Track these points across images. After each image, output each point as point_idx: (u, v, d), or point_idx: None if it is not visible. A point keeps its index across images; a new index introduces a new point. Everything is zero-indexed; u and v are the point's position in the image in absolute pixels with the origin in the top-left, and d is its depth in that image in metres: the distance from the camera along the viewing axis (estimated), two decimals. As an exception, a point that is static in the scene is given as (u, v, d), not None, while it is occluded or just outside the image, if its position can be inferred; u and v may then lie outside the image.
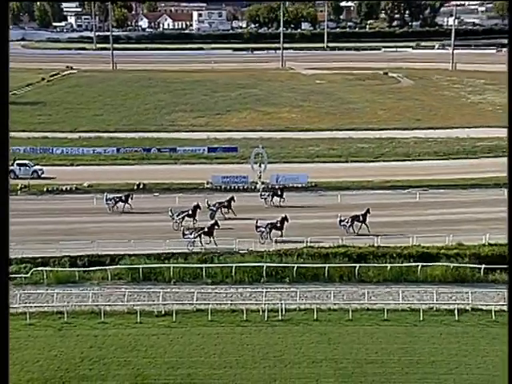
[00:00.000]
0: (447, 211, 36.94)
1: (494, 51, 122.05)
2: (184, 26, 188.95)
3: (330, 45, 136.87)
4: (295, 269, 28.70)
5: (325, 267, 28.79)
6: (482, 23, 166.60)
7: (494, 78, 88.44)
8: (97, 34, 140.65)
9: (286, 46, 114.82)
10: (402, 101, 75.15)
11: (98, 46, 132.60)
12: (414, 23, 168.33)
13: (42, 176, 43.99)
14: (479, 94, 78.55)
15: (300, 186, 42.03)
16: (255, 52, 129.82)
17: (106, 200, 36.99)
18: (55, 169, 45.80)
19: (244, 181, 42.67)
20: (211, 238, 31.16)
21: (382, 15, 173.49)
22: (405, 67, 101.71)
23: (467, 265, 29.13)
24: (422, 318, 25.25)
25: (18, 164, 43.67)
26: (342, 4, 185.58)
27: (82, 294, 26.72)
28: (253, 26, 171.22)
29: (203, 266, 29.06)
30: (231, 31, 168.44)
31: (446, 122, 62.60)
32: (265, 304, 25.83)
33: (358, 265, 29.02)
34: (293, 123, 63.66)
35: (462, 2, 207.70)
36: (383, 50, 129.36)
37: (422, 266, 28.97)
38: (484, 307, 25.91)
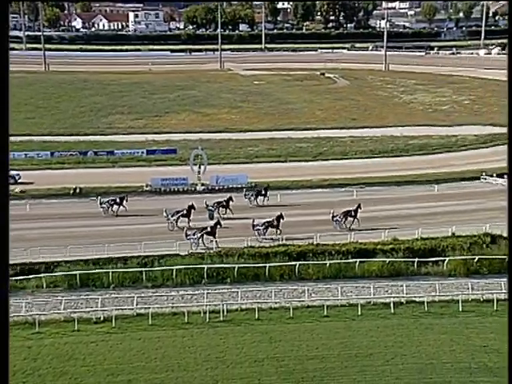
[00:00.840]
0: (382, 208, 38.08)
1: (423, 53, 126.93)
2: (120, 26, 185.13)
3: (268, 46, 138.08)
4: (236, 269, 28.75)
5: (265, 266, 29.01)
6: (411, 26, 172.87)
7: (423, 79, 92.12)
8: (27, 33, 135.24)
9: (224, 47, 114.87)
10: (339, 101, 76.87)
11: (29, 46, 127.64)
12: (349, 25, 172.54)
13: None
14: (411, 93, 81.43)
15: (240, 186, 42.15)
16: (193, 53, 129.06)
17: (100, 203, 36.43)
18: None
19: (184, 183, 42.35)
20: (214, 238, 30.99)
21: (318, 17, 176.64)
22: (340, 68, 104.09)
23: (402, 259, 30.12)
24: (360, 313, 25.91)
25: None
26: (279, 6, 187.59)
27: (14, 304, 25.67)
28: (190, 27, 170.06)
29: (143, 269, 28.62)
30: (169, 32, 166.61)
31: (381, 121, 64.55)
32: (206, 305, 25.74)
33: (297, 263, 29.42)
34: (232, 124, 63.80)
35: (393, 5, 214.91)
36: (319, 51, 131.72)
37: (360, 262, 29.71)
38: (417, 299, 26.88)
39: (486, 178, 44.00)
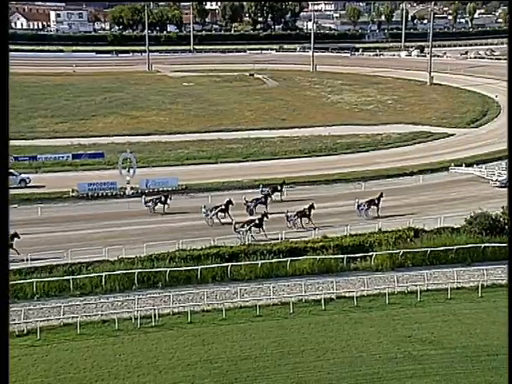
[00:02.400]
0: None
1: (349, 54, 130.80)
2: (40, 26, 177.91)
3: (197, 47, 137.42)
4: (168, 273, 28.43)
5: (197, 269, 28.87)
6: (337, 28, 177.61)
7: (349, 79, 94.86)
8: None
9: (151, 48, 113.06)
10: (268, 101, 77.73)
11: None
12: (277, 27, 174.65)
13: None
14: (337, 94, 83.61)
15: (170, 189, 41.71)
16: (120, 55, 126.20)
17: (145, 202, 36.98)
18: None
19: (112, 187, 41.39)
20: (262, 230, 32.54)
21: (247, 18, 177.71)
22: (269, 69, 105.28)
23: (331, 256, 30.87)
24: (292, 311, 26.32)
25: None
26: (207, 7, 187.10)
27: None
28: (116, 27, 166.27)
29: (70, 277, 27.70)
30: (93, 33, 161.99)
31: (309, 121, 65.87)
32: (137, 311, 25.29)
33: (229, 264, 29.49)
34: (161, 126, 63.01)
35: (319, 8, 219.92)
36: (248, 52, 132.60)
37: (291, 261, 30.18)
38: (347, 294, 27.67)
39: (454, 169, 46.65)
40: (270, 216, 34.26)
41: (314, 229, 33.46)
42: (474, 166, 47.01)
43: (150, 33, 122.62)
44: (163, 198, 37.33)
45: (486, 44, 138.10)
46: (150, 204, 37.20)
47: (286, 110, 72.76)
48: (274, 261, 30.24)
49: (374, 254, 31.09)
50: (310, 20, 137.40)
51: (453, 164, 47.51)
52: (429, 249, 31.11)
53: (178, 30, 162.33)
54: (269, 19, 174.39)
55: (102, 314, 25.37)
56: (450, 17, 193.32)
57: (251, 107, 73.92)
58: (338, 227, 34.11)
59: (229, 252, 30.78)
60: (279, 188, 39.90)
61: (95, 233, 33.11)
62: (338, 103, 77.29)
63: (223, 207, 35.36)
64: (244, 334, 24.30)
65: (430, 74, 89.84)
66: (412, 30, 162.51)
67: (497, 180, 43.20)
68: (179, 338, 23.87)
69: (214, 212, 35.12)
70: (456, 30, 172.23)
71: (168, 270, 28.54)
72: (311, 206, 34.97)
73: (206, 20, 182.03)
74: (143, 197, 37.86)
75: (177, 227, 34.53)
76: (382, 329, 24.76)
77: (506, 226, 32.91)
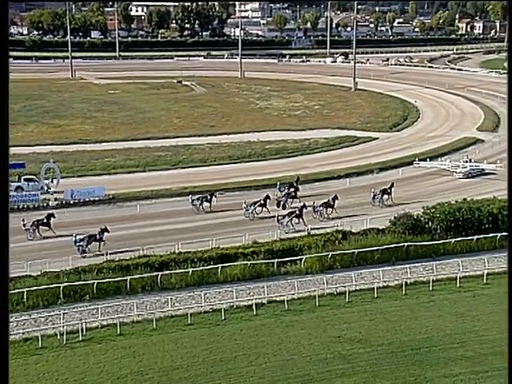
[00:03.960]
0: (240, 212, 39.12)
1: (276, 61, 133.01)
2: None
3: (123, 54, 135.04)
4: (95, 285, 27.71)
5: (126, 279, 28.33)
6: (264, 35, 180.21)
7: (277, 85, 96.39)
8: None
9: (74, 54, 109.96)
10: (197, 108, 77.57)
11: None
12: (204, 33, 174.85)
13: None
14: (266, 100, 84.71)
15: (97, 199, 40.70)
16: (40, 61, 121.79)
17: (192, 201, 38.57)
18: None
19: (35, 198, 39.85)
20: (302, 220, 35.46)
21: (173, 25, 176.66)
22: (197, 75, 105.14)
23: (262, 261, 31.18)
24: (223, 317, 26.37)
25: (25, 179, 41.94)
26: (133, 13, 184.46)
27: None
28: (36, 32, 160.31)
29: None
30: (10, 38, 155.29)
31: (238, 127, 66.30)
32: (63, 326, 24.44)
33: (159, 273, 29.15)
34: (86, 135, 61.33)
35: (247, 14, 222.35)
36: (176, 58, 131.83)
37: (222, 267, 30.24)
38: (278, 298, 28.05)
39: (418, 163, 49.60)
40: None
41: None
42: (439, 159, 51.12)
43: (72, 38, 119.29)
44: (209, 197, 39.20)
45: (405, 51, 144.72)
46: (196, 203, 38.77)
47: (214, 116, 72.87)
48: (204, 268, 30.19)
49: (304, 257, 31.72)
50: (238, 27, 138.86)
51: (417, 159, 50.64)
52: (356, 250, 32.10)
53: (102, 36, 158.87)
54: (196, 26, 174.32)
55: (23, 333, 24.29)
56: (371, 25, 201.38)
57: (179, 114, 73.49)
58: (267, 232, 34.48)
59: (158, 261, 30.42)
60: (294, 184, 42.03)
61: (17, 247, 31.62)
62: (266, 109, 78.28)
63: (262, 202, 38.07)
64: (175, 344, 24.09)
65: (354, 79, 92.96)
66: (336, 37, 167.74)
67: (461, 172, 46.99)
68: (108, 351, 23.30)
69: (254, 207, 37.63)
70: (377, 37, 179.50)
71: (95, 282, 27.81)
72: (335, 197, 38.15)
73: (132, 26, 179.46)
74: (190, 196, 39.48)
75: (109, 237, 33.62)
76: (312, 330, 25.30)
77: (427, 225, 34.60)
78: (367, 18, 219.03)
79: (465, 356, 23.17)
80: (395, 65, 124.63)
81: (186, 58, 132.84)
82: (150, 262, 30.30)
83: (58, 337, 24.11)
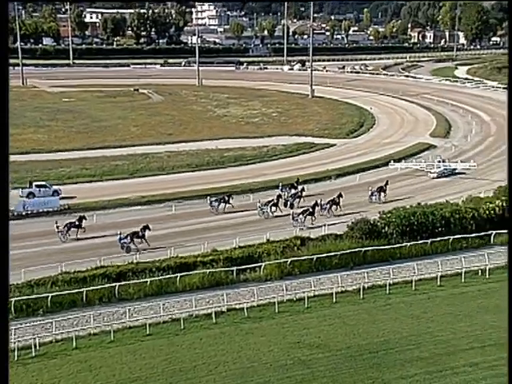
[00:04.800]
0: (202, 220, 39.15)
1: (234, 68, 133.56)
2: None
3: (77, 61, 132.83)
4: (49, 298, 27.09)
5: (82, 291, 27.83)
6: (221, 42, 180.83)
7: (235, 93, 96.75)
8: None
9: (26, 62, 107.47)
10: (154, 116, 77.02)
11: None
12: (161, 41, 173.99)
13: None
14: (224, 107, 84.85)
15: (52, 209, 39.85)
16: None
17: (210, 202, 40.23)
18: None
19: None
20: (315, 218, 37.57)
21: (129, 32, 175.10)
22: (154, 83, 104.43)
23: (221, 269, 31.19)
24: (182, 327, 26.23)
25: (36, 185, 42.67)
26: (87, 20, 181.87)
27: None
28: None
29: None
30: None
31: (196, 135, 66.16)
32: (14, 343, 23.76)
33: (117, 284, 28.76)
34: (39, 144, 59.96)
35: (204, 22, 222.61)
36: (132, 66, 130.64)
37: (181, 276, 30.08)
38: (238, 306, 28.10)
39: (394, 164, 51.83)
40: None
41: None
42: (413, 160, 53.49)
43: (23, 45, 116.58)
44: (226, 198, 40.83)
45: (360, 59, 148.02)
46: (214, 204, 40.24)
47: (172, 124, 72.50)
48: (163, 277, 29.97)
49: (263, 264, 31.88)
50: (195, 34, 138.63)
51: (392, 161, 52.75)
52: (315, 256, 32.49)
53: (55, 43, 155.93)
54: (153, 33, 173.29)
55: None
56: (327, 33, 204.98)
57: (136, 123, 72.79)
58: (226, 240, 34.53)
59: (116, 272, 30.03)
60: (296, 185, 44.02)
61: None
62: (224, 117, 78.41)
63: (275, 201, 40.07)
64: (134, 355, 23.79)
65: (311, 87, 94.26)
66: (293, 45, 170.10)
67: (435, 172, 49.59)
68: (63, 366, 22.80)
69: (268, 206, 39.62)
70: (333, 45, 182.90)
71: (50, 295, 27.19)
72: (340, 195, 40.47)
73: (86, 33, 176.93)
74: (208, 197, 40.90)
75: (63, 249, 33.01)
76: (272, 337, 25.45)
77: (383, 230, 35.38)
78: (323, 26, 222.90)
79: (420, 357, 23.77)
80: (351, 72, 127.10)
81: (143, 66, 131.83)
82: (107, 272, 29.87)
83: (9, 354, 23.43)
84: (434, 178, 49.41)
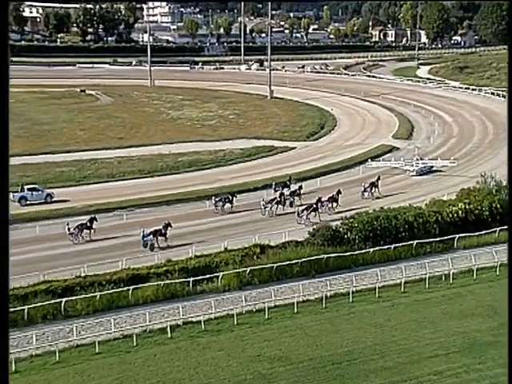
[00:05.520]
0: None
1: (188, 68, 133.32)
2: None
3: (15, 59, 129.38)
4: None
5: (24, 309, 27.16)
6: (174, 41, 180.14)
7: (190, 94, 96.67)
8: None
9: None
10: (103, 119, 76.07)
11: None
12: (109, 38, 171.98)
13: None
14: (178, 109, 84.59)
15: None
16: None
17: (215, 202, 41.93)
18: None
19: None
20: (318, 213, 40.06)
21: (75, 29, 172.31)
22: (103, 84, 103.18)
23: (177, 280, 31.00)
24: (135, 343, 25.95)
25: (28, 189, 43.24)
26: (26, 14, 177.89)
27: None
28: None
29: None
30: None
31: (149, 139, 65.70)
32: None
33: (63, 299, 28.21)
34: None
35: (155, 19, 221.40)
36: (78, 65, 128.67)
37: (133, 289, 29.77)
38: (194, 319, 28.01)
39: (371, 164, 54.15)
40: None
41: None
42: (393, 159, 55.63)
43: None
44: (230, 197, 42.64)
45: (320, 58, 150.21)
46: (219, 204, 41.81)
47: (122, 128, 71.77)
48: (114, 291, 29.58)
49: (221, 274, 31.89)
50: (146, 32, 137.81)
51: (369, 159, 55.24)
52: (275, 264, 32.71)
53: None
54: (100, 30, 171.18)
55: None
56: (286, 31, 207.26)
57: (83, 126, 71.71)
58: (182, 249, 34.42)
59: (61, 286, 29.44)
60: (288, 184, 46.21)
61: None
62: (178, 119, 78.18)
63: (278, 199, 42.12)
64: (82, 376, 23.38)
65: (270, 87, 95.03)
66: (251, 44, 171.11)
67: (414, 170, 52.19)
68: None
69: (272, 204, 41.52)
70: (293, 44, 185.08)
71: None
72: (339, 191, 42.62)
73: (26, 29, 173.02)
74: (213, 197, 42.51)
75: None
76: (231, 351, 25.48)
77: (346, 236, 35.95)
78: (282, 23, 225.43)
79: (384, 367, 24.26)
80: (311, 72, 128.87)
81: (90, 65, 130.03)
82: (51, 287, 29.24)
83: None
84: (412, 176, 51.76)
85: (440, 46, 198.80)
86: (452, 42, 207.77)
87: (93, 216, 37.84)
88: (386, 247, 35.54)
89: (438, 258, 34.96)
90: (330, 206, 42.20)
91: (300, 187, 45.29)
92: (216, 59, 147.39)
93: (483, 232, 37.65)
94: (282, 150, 61.92)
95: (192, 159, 57.11)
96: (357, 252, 34.89)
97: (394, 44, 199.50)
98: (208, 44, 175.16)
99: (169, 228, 36.24)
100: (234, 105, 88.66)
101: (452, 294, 31.28)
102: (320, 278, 32.21)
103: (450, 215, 38.13)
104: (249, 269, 32.30)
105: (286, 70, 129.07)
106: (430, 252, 36.19)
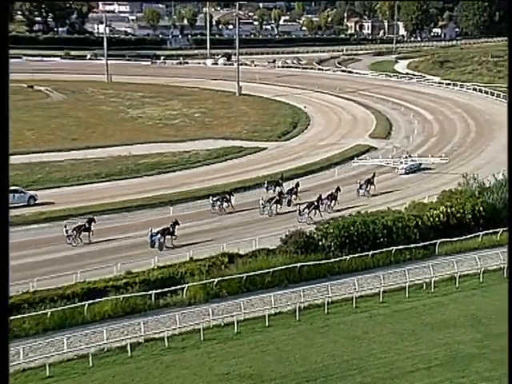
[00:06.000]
0: (113, 238, 38.61)
1: (149, 63, 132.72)
2: None
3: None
4: None
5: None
6: (134, 32, 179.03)
7: (151, 91, 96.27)
8: None
9: None
10: (54, 118, 75.19)
11: None
12: (61, 29, 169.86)
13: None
14: (138, 108, 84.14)
15: None
16: None
17: (213, 202, 43.52)
18: None
19: None
20: (319, 211, 42.16)
21: (20, 17, 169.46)
22: (54, 79, 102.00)
23: (137, 294, 30.77)
24: (91, 364, 25.65)
25: (10, 191, 41.67)
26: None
27: None
28: None
29: None
30: None
31: (106, 140, 65.19)
32: None
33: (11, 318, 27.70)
34: None
35: (112, 8, 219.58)
36: (25, 58, 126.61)
37: (89, 305, 29.44)
38: (157, 336, 27.85)
39: (357, 162, 56.22)
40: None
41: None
42: (380, 156, 57.64)
43: None
44: (228, 197, 44.19)
45: (292, 52, 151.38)
46: (217, 204, 43.39)
47: (76, 127, 71.08)
48: (67, 307, 29.18)
49: (186, 286, 31.79)
50: (102, 22, 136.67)
51: (355, 158, 57.08)
52: (244, 274, 32.77)
53: None
54: (50, 19, 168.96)
55: None
56: (255, 23, 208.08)
57: (32, 126, 70.74)
58: (144, 259, 34.20)
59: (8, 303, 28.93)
60: (280, 182, 47.84)
61: None
62: (138, 118, 77.81)
63: (277, 198, 43.85)
64: (30, 403, 23.01)
65: (238, 84, 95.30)
66: (217, 36, 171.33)
67: (403, 168, 54.08)
68: None
69: (271, 203, 43.22)
70: (262, 36, 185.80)
71: None
72: (338, 189, 44.74)
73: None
74: (210, 197, 43.85)
75: None
76: (197, 369, 25.41)
77: (320, 243, 36.23)
78: (251, 15, 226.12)
79: (363, 382, 24.51)
80: (282, 67, 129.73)
81: (39, 59, 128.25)
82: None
83: None
84: (401, 175, 53.52)
85: (419, 38, 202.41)
86: (432, 34, 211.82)
87: (91, 217, 38.95)
88: (363, 254, 35.94)
89: (419, 264, 35.53)
90: (329, 203, 43.90)
91: (297, 185, 46.63)
92: (179, 53, 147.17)
93: (466, 237, 38.39)
94: (251, 150, 62.16)
95: (154, 161, 56.91)
96: (332, 260, 35.20)
97: (370, 37, 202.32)
98: (170, 36, 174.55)
99: (176, 226, 38.02)
100: (199, 102, 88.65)
101: (433, 303, 31.78)
102: (293, 289, 32.38)
103: (431, 219, 38.77)
104: (216, 280, 32.29)
105: (255, 65, 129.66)
106: (409, 259, 36.74)
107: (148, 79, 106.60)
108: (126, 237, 38.83)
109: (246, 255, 35.28)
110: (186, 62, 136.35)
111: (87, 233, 38.21)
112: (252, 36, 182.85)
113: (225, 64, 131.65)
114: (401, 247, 36.75)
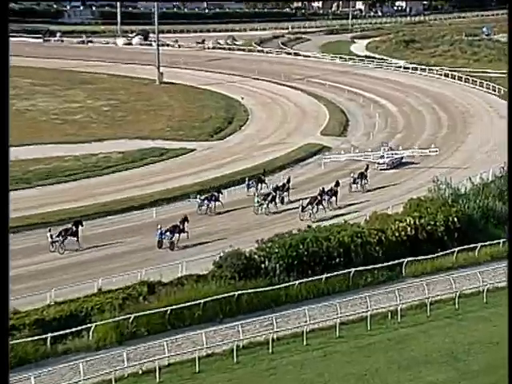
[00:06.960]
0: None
1: (41, 41, 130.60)
2: None
3: None
4: None
5: None
6: (22, 4, 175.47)
7: (44, 78, 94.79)
8: None
9: None
10: None
11: None
12: None
13: None
14: (27, 98, 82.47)
15: None
16: None
17: (201, 201, 46.73)
18: None
19: None
20: (323, 207, 46.15)
21: None
22: None
23: (27, 339, 29.91)
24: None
25: None
26: None
27: None
28: None
29: None
30: None
31: (-14, 141, 63.59)
32: None
33: None
34: None
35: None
36: None
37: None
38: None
39: (330, 157, 58.73)
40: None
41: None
42: (357, 150, 60.29)
43: None
44: (216, 195, 47.28)
45: (226, 30, 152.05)
46: (204, 204, 46.59)
47: None
48: None
49: (93, 325, 31.38)
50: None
51: (326, 153, 60.38)
52: (168, 308, 32.64)
53: None
54: None
55: None
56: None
57: None
58: (36, 295, 33.46)
59: None
60: (263, 179, 51.61)
61: None
62: (27, 112, 76.46)
63: (273, 194, 47.34)
64: None
65: (158, 69, 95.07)
66: (131, 9, 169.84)
67: (384, 162, 57.31)
68: None
69: (267, 201, 46.60)
70: (188, 10, 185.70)
71: None
72: (337, 183, 48.73)
73: None
74: (198, 196, 47.10)
75: None
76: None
77: (263, 266, 36.45)
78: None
79: None
80: (214, 48, 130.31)
81: None
82: None
83: None
84: (382, 170, 56.91)
85: (380, 13, 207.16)
86: (395, 8, 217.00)
87: (78, 219, 41.83)
88: (315, 278, 36.29)
89: (382, 289, 36.11)
90: (330, 200, 47.51)
91: (288, 180, 50.18)
92: (82, 29, 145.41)
93: (438, 254, 39.37)
94: (176, 153, 62.08)
95: (51, 167, 56.02)
96: (278, 286, 35.40)
97: (321, 11, 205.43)
98: (69, 8, 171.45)
99: (185, 223, 41.36)
100: (108, 93, 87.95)
101: (400, 336, 32.38)
102: (230, 323, 32.44)
103: (397, 233, 39.56)
104: (133, 316, 32.04)
105: (179, 46, 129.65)
106: (371, 282, 37.32)
107: (40, 62, 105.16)
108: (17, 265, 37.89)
109: (170, 283, 35.18)
110: (91, 41, 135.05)
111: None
112: (175, 10, 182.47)
113: (141, 44, 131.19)
114: (360, 268, 37.29)
